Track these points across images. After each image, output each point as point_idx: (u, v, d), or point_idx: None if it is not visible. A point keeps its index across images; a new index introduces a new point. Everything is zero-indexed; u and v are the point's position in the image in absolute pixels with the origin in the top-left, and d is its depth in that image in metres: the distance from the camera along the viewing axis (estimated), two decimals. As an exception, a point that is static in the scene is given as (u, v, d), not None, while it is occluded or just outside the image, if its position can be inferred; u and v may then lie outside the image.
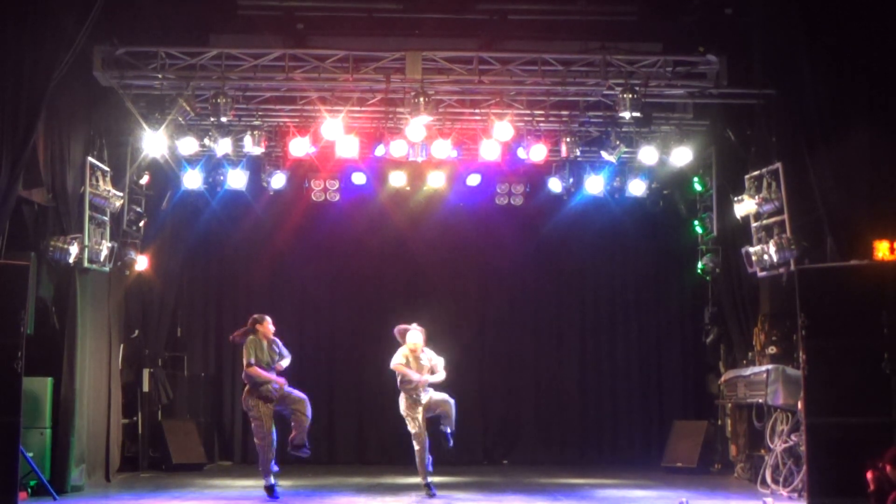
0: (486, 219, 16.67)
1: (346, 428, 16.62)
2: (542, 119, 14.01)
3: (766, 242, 12.69)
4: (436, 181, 15.73)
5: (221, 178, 14.90)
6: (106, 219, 13.04)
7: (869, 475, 8.80)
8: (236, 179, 14.77)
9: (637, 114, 12.29)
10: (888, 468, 8.52)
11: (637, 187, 15.29)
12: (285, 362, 12.00)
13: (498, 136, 13.41)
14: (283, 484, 13.49)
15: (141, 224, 14.39)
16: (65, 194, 12.09)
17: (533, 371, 17.04)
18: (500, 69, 12.50)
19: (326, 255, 16.93)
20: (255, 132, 13.82)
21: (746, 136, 13.59)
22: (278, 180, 15.04)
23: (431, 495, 11.80)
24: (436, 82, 12.51)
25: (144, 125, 13.15)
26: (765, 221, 12.90)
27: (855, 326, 10.42)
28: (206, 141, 13.81)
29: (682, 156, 14.11)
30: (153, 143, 13.29)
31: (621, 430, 16.90)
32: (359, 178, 15.69)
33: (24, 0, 10.78)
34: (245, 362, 11.68)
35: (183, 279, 16.62)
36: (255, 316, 12.00)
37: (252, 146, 13.84)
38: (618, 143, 13.87)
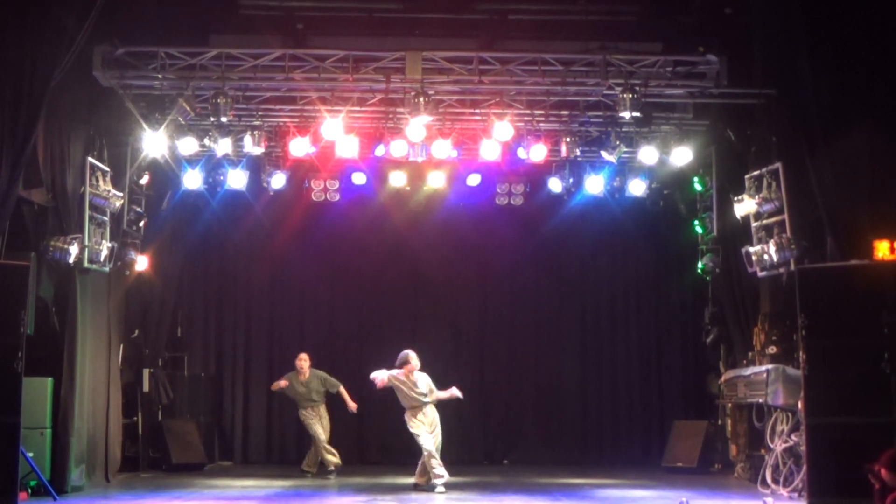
0: (486, 219, 16.67)
1: (346, 428, 16.61)
2: (542, 119, 14.01)
3: (767, 242, 12.68)
4: (436, 181, 15.74)
5: (221, 178, 14.91)
6: (106, 219, 13.02)
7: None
8: (236, 179, 14.78)
9: (637, 114, 12.28)
10: (884, 472, 8.51)
11: (637, 187, 15.29)
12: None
13: (498, 136, 13.40)
14: (284, 484, 13.52)
15: (141, 224, 14.37)
16: (65, 194, 12.08)
17: (533, 371, 17.04)
18: (500, 69, 12.49)
19: (326, 255, 16.94)
20: (255, 132, 13.81)
21: (746, 136, 13.58)
22: (278, 180, 15.05)
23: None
24: (436, 82, 12.50)
25: (144, 125, 13.13)
26: (765, 221, 12.89)
27: (855, 326, 10.41)
28: (206, 141, 13.82)
29: (682, 156, 14.11)
30: (153, 143, 13.27)
31: (621, 430, 16.90)
32: (359, 178, 15.70)
33: (25, 0, 10.78)
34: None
35: (183, 279, 16.63)
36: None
37: (252, 146, 13.83)
38: (618, 142, 13.86)
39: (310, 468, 14.51)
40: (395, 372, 12.83)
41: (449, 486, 12.87)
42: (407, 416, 12.82)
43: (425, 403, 12.79)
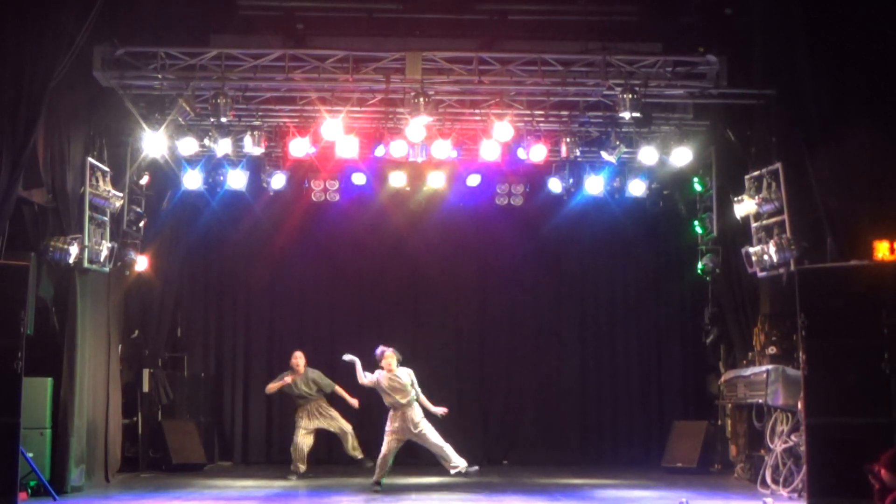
0: (486, 219, 16.66)
1: (346, 428, 16.59)
2: (542, 119, 14.01)
3: (766, 243, 12.68)
4: (436, 181, 15.73)
5: (221, 178, 14.91)
6: (106, 219, 13.02)
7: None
8: (236, 180, 14.77)
9: (637, 114, 12.28)
10: (884, 472, 8.50)
11: (637, 187, 15.30)
12: None
13: (498, 136, 13.40)
14: (283, 484, 13.52)
15: (141, 224, 14.38)
16: (65, 195, 12.08)
17: (533, 371, 17.03)
18: (499, 69, 12.49)
19: (326, 256, 16.93)
20: (255, 132, 13.81)
21: (746, 137, 13.58)
22: (278, 180, 15.05)
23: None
24: (436, 82, 12.50)
25: (144, 125, 13.14)
26: (765, 222, 12.89)
27: (855, 326, 10.42)
28: (206, 141, 13.81)
29: (682, 156, 14.10)
30: (153, 143, 13.27)
31: (621, 431, 16.90)
32: (359, 179, 15.70)
33: (24, 0, 10.79)
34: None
35: (183, 279, 16.63)
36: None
37: (252, 146, 13.84)
38: (618, 143, 13.86)
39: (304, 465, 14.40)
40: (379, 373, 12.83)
41: (449, 487, 12.89)
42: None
43: (403, 405, 12.76)
